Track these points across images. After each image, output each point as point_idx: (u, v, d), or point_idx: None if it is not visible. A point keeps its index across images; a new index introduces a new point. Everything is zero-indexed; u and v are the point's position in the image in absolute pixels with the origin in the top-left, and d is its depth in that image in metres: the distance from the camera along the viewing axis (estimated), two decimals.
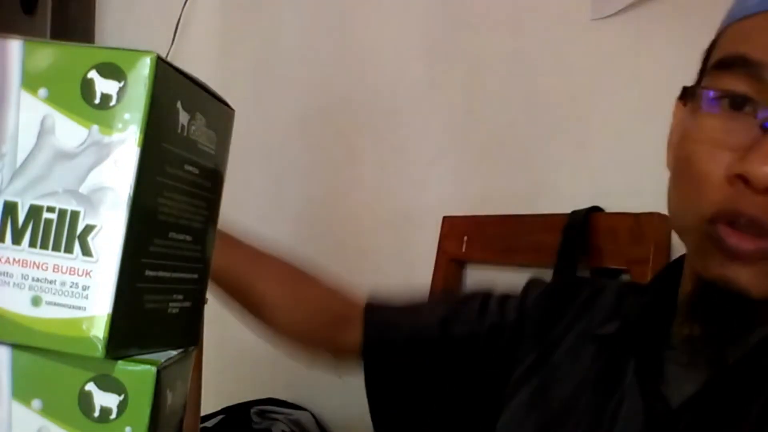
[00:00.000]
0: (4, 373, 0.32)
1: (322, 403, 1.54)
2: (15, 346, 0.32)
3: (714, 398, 0.52)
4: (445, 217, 1.28)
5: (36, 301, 0.31)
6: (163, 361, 0.33)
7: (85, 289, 0.31)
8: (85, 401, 0.32)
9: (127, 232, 0.31)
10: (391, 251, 1.43)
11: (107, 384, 0.32)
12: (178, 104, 0.33)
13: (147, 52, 0.31)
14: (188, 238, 0.36)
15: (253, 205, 1.75)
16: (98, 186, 0.31)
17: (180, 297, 0.36)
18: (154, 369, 0.32)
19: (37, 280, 0.31)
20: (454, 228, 1.27)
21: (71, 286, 0.31)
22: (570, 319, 0.67)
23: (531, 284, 0.74)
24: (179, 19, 1.82)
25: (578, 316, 0.67)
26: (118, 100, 0.31)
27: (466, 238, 1.24)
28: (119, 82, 0.31)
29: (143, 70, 0.31)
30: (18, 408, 0.32)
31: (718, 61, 0.52)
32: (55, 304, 0.31)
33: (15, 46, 0.32)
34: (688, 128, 0.53)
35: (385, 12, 1.46)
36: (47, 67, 0.32)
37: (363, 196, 1.50)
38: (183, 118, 0.34)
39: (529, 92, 1.20)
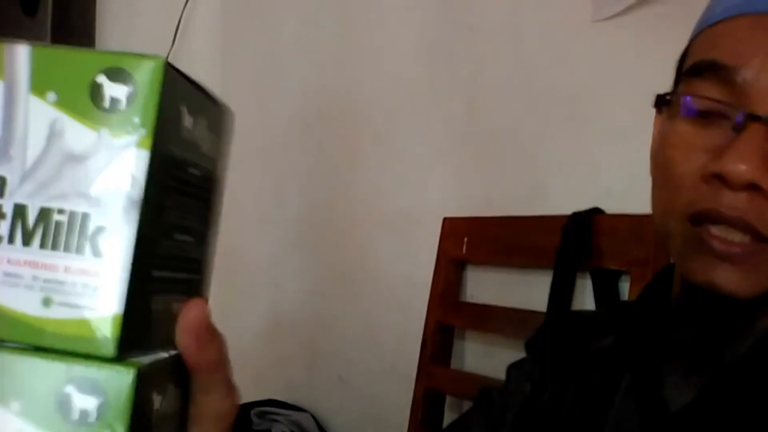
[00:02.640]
0: None
1: (322, 405, 1.54)
2: None
3: (713, 403, 0.52)
4: (445, 218, 1.28)
5: (47, 302, 0.31)
6: (147, 362, 0.32)
7: (95, 290, 0.31)
8: (63, 404, 0.31)
9: (137, 233, 0.32)
10: (391, 252, 1.43)
11: (86, 386, 0.31)
12: (183, 108, 0.34)
13: (155, 57, 0.32)
14: (191, 239, 0.36)
15: (253, 205, 1.75)
16: (108, 188, 0.32)
17: (182, 297, 0.36)
18: (133, 371, 0.31)
19: (48, 281, 0.31)
20: (454, 229, 1.27)
21: (82, 287, 0.31)
22: (569, 349, 0.67)
23: (530, 341, 0.73)
24: (180, 21, 1.82)
25: (575, 342, 0.67)
26: (127, 104, 0.32)
27: (466, 239, 1.24)
28: (128, 86, 0.32)
29: (151, 74, 0.32)
30: None
31: (690, 68, 0.54)
32: (66, 304, 0.31)
33: (23, 51, 0.32)
34: (665, 134, 0.54)
35: (385, 13, 1.46)
36: (55, 72, 0.32)
37: (363, 196, 1.50)
38: (187, 121, 0.34)
39: (530, 93, 1.20)
